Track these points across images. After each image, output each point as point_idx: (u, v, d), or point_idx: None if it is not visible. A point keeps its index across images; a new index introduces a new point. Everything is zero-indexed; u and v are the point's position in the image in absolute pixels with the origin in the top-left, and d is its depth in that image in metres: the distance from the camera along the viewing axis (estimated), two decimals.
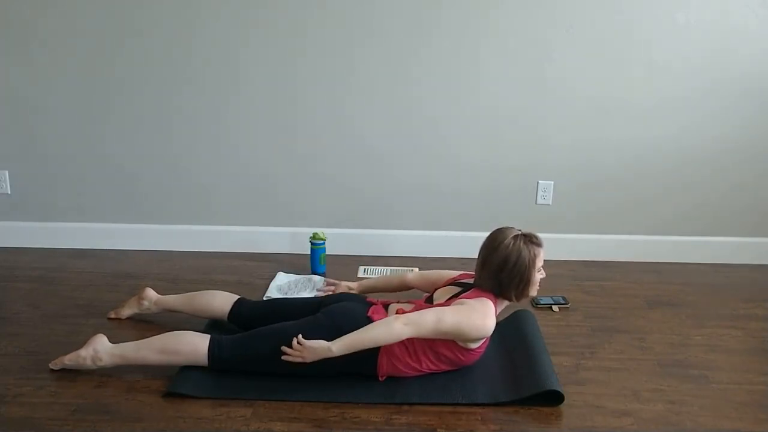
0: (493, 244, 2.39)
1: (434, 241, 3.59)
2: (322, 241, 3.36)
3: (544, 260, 2.44)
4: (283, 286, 3.15)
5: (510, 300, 2.44)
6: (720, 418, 2.24)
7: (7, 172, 3.56)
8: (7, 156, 3.53)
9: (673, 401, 2.33)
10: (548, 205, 3.55)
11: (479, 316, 2.29)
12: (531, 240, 2.39)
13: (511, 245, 2.36)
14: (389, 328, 2.25)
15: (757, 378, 2.49)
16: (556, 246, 3.51)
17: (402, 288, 2.84)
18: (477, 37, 3.31)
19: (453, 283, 2.56)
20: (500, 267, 2.36)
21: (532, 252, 2.37)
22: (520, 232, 2.41)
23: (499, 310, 2.44)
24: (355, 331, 2.26)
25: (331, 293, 2.89)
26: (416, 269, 3.21)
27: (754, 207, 3.56)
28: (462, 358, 2.38)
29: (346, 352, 2.25)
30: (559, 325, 2.87)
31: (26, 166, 3.55)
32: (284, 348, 2.30)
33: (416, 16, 3.28)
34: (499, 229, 2.44)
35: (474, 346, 2.37)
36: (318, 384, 2.33)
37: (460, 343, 2.34)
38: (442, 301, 2.45)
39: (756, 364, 2.59)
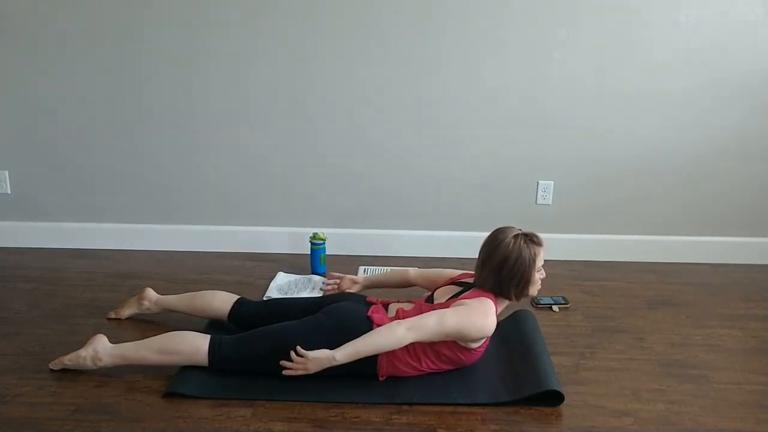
0: (494, 243, 2.39)
1: (434, 241, 3.59)
2: (322, 241, 3.36)
3: (545, 260, 2.44)
4: (283, 286, 3.15)
5: (510, 299, 2.44)
6: (720, 418, 2.24)
7: (7, 172, 3.56)
8: (7, 156, 3.53)
9: (673, 401, 2.33)
10: (548, 205, 3.55)
11: (480, 316, 2.30)
12: (531, 239, 2.39)
13: (511, 244, 2.36)
14: (392, 334, 2.25)
15: (757, 378, 2.49)
16: (556, 246, 3.51)
17: (403, 284, 2.84)
18: (477, 39, 3.30)
19: (453, 282, 2.56)
20: (500, 266, 2.36)
21: (532, 251, 2.37)
22: (520, 232, 2.41)
23: (499, 310, 2.44)
24: (358, 338, 2.26)
25: (330, 293, 2.89)
26: (416, 269, 3.20)
27: (754, 207, 3.56)
28: (462, 357, 2.38)
29: (351, 360, 2.25)
30: (559, 325, 2.87)
31: (26, 166, 3.55)
32: (284, 363, 2.28)
33: (418, 15, 3.28)
34: (499, 229, 2.44)
35: (475, 345, 2.37)
36: (318, 384, 2.33)
37: (461, 343, 2.35)
38: (442, 300, 2.45)
39: (756, 364, 2.59)
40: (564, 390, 2.28)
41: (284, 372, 2.28)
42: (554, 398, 2.26)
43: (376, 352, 2.27)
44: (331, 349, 2.25)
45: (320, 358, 2.24)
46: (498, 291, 2.40)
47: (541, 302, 3.04)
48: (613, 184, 3.52)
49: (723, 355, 2.65)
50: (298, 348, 2.27)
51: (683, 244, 3.61)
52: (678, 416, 2.24)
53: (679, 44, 3.31)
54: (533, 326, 2.70)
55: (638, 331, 2.83)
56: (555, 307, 3.02)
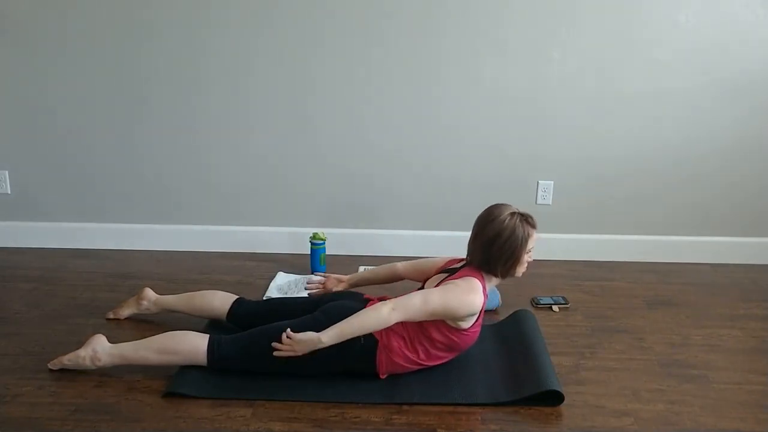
0: (489, 217, 2.39)
1: (434, 241, 3.59)
2: (322, 241, 3.36)
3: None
4: (283, 286, 3.15)
5: (496, 276, 2.42)
6: (720, 418, 2.24)
7: (7, 172, 3.56)
8: (7, 156, 3.53)
9: (673, 401, 2.33)
10: (548, 205, 3.55)
11: (465, 292, 2.29)
12: (527, 220, 2.39)
13: (506, 221, 2.36)
14: (377, 314, 2.26)
15: (757, 378, 2.49)
16: (556, 246, 3.52)
17: (393, 279, 2.80)
18: (477, 39, 3.30)
19: (442, 270, 2.56)
20: (492, 240, 2.35)
21: (526, 231, 2.37)
22: (517, 210, 2.40)
23: (488, 288, 2.42)
24: (344, 320, 2.27)
25: (315, 293, 2.84)
26: (404, 262, 3.16)
27: (754, 207, 3.55)
28: (456, 339, 2.37)
29: (337, 341, 2.25)
30: (559, 325, 2.87)
31: (26, 166, 3.55)
32: (275, 344, 2.30)
33: (418, 15, 3.28)
34: (496, 204, 2.44)
35: (465, 325, 2.35)
36: (318, 384, 2.33)
37: (451, 323, 2.33)
38: (432, 287, 2.45)
39: (756, 364, 2.58)
40: (564, 390, 2.28)
41: (274, 353, 2.29)
42: (554, 398, 2.26)
43: (362, 333, 2.27)
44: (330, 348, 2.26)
45: (306, 340, 2.25)
46: (486, 267, 2.40)
47: (541, 302, 3.04)
48: (613, 184, 3.52)
49: (723, 355, 2.65)
50: (288, 330, 2.29)
51: (683, 244, 3.60)
52: (678, 416, 2.24)
53: (679, 44, 3.30)
54: (533, 326, 2.70)
55: (638, 331, 2.82)
56: (555, 307, 3.02)
